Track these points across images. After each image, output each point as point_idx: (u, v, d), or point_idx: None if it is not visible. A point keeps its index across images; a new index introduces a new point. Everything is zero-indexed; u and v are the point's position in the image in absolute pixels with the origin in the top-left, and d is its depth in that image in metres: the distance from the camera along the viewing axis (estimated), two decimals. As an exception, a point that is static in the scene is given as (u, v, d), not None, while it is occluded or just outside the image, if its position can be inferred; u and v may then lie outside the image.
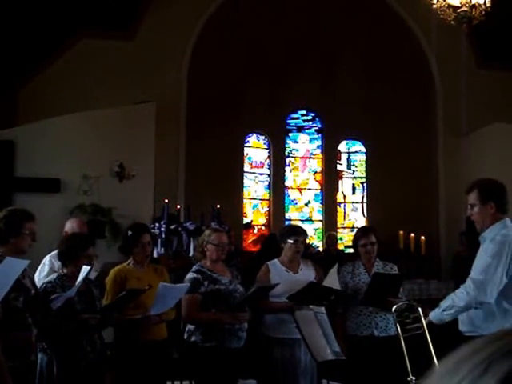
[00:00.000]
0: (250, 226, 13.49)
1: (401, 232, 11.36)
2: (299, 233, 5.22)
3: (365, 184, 14.22)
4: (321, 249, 12.52)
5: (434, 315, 3.74)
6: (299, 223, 12.41)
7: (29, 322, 3.73)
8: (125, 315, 4.55)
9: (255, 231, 13.66)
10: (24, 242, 3.75)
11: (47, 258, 5.18)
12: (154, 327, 4.67)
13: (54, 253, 4.82)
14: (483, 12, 7.98)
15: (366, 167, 14.21)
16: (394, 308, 3.50)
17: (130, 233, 4.84)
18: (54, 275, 4.40)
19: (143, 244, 4.78)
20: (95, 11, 10.99)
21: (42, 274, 4.99)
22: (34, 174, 9.29)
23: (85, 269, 4.12)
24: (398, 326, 3.42)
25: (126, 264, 4.84)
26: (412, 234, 11.28)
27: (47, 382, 4.11)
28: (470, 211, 3.77)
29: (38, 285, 4.21)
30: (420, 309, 3.74)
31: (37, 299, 3.88)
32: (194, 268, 4.87)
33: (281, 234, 5.39)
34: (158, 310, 4.59)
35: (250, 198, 13.80)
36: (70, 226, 5.56)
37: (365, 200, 14.17)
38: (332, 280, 5.01)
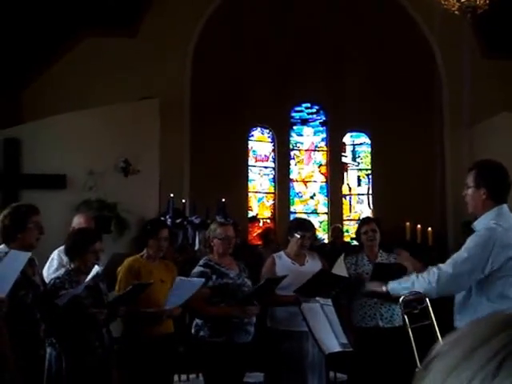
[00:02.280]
0: (255, 219, 13.51)
1: (407, 223, 11.34)
2: (307, 228, 5.22)
3: (370, 176, 14.20)
4: (326, 241, 12.53)
5: (393, 288, 3.63)
6: (304, 216, 12.42)
7: (37, 318, 3.75)
8: (137, 309, 4.57)
9: (260, 224, 13.67)
10: (31, 235, 3.76)
11: (55, 252, 5.20)
12: (163, 321, 4.69)
13: (62, 247, 4.84)
14: (487, 1, 7.94)
15: (371, 159, 14.19)
16: (401, 299, 3.49)
17: (148, 227, 4.86)
18: (62, 270, 4.42)
19: (160, 238, 4.80)
20: (98, 9, 10.99)
21: (52, 269, 5.02)
22: (39, 170, 9.33)
23: (95, 269, 4.13)
24: (405, 316, 3.40)
25: (139, 256, 4.86)
26: (418, 226, 11.26)
27: (56, 377, 4.13)
28: (464, 191, 3.59)
29: (47, 280, 4.23)
30: (428, 300, 3.71)
31: (45, 295, 3.90)
32: (202, 262, 4.88)
33: (289, 227, 5.40)
34: (172, 303, 4.61)
35: (255, 192, 13.81)
36: (77, 221, 5.58)
37: (370, 192, 14.16)
38: (340, 269, 5.01)
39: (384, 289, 3.66)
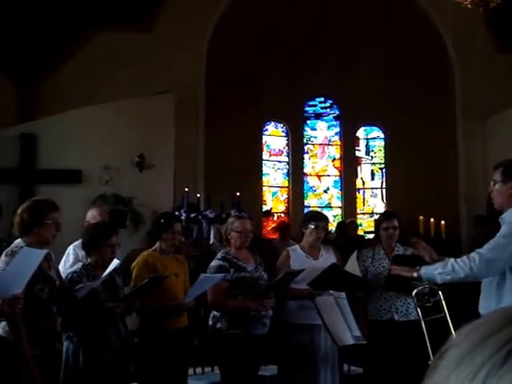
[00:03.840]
0: (269, 213, 13.54)
1: (421, 217, 11.31)
2: (320, 219, 5.23)
3: (384, 170, 14.19)
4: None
5: (427, 272, 3.72)
6: (318, 210, 12.43)
7: (53, 312, 3.79)
8: (153, 303, 4.61)
9: (275, 218, 13.70)
10: (48, 232, 3.78)
11: (71, 247, 5.23)
12: (179, 314, 4.74)
13: (78, 242, 4.88)
14: (500, -5, 7.89)
15: (385, 153, 14.17)
16: (414, 292, 3.51)
17: (162, 220, 4.90)
18: (79, 264, 4.45)
19: (174, 232, 4.83)
20: (113, 5, 11.04)
21: (68, 264, 5.04)
22: (55, 165, 9.39)
23: (114, 262, 4.16)
24: (418, 309, 3.42)
25: (152, 250, 4.90)
26: (432, 219, 11.23)
27: (73, 370, 4.17)
28: (491, 187, 3.78)
29: (64, 274, 4.27)
30: (440, 293, 3.75)
31: (62, 289, 3.93)
32: (220, 255, 4.92)
33: (302, 219, 5.40)
34: (191, 296, 4.67)
35: (269, 186, 13.84)
36: (91, 214, 5.60)
37: (384, 186, 14.14)
38: (352, 267, 5.02)
39: (415, 274, 3.75)
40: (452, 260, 3.69)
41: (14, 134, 9.50)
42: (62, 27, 10.78)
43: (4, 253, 3.70)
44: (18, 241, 3.78)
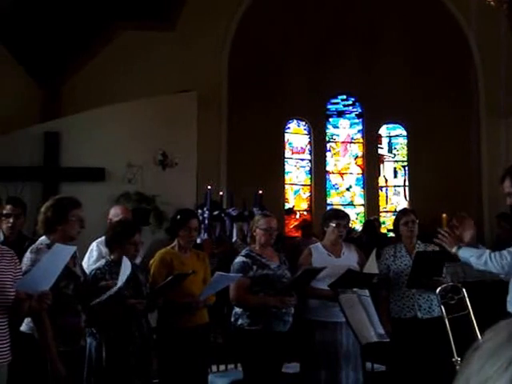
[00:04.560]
0: (291, 211, 13.53)
1: (444, 215, 11.22)
2: (341, 217, 5.22)
3: (406, 167, 14.11)
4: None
5: (464, 255, 3.82)
6: (341, 208, 12.39)
7: (78, 309, 3.82)
8: (172, 300, 4.62)
9: (297, 216, 13.69)
10: (72, 228, 3.81)
11: (94, 244, 5.27)
12: (197, 312, 4.74)
13: (101, 239, 4.92)
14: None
15: (408, 151, 14.09)
16: (438, 290, 3.49)
17: (178, 217, 4.92)
18: (103, 261, 4.49)
19: (190, 229, 4.84)
20: (136, 3, 11.11)
21: (91, 260, 5.09)
22: (79, 163, 9.48)
23: (125, 265, 4.16)
24: (442, 307, 3.41)
25: (170, 248, 4.91)
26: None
27: (96, 366, 4.21)
28: (509, 200, 3.76)
29: (87, 271, 4.30)
30: (464, 290, 3.73)
31: (86, 286, 3.97)
32: (244, 252, 4.94)
33: (323, 218, 5.39)
34: (206, 294, 4.67)
35: (292, 184, 13.83)
36: (113, 212, 5.64)
37: (407, 183, 14.06)
38: (371, 265, 5.00)
39: (454, 250, 3.81)
40: (487, 253, 3.74)
41: (39, 133, 9.61)
42: (85, 26, 10.87)
43: (29, 250, 3.74)
44: (43, 238, 3.82)
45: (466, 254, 3.89)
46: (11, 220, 4.83)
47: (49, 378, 3.53)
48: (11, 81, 9.80)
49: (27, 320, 3.65)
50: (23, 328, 3.70)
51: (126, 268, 4.10)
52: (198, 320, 4.76)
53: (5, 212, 4.69)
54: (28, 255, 3.69)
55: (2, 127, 9.54)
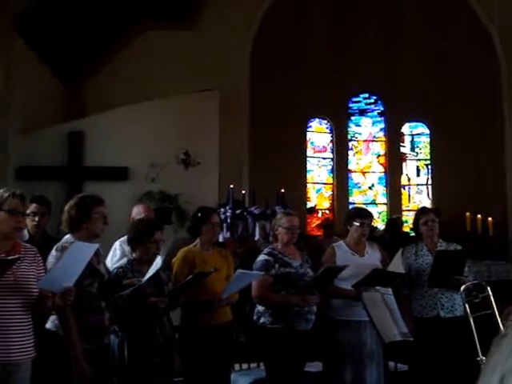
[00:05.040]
0: (313, 210, 13.51)
1: (467, 214, 11.14)
2: (365, 215, 5.20)
3: (429, 166, 14.01)
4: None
5: None
6: (363, 207, 12.34)
7: (102, 307, 3.86)
8: (193, 298, 4.64)
9: (319, 215, 13.66)
10: (96, 225, 3.85)
11: (117, 243, 5.30)
12: (220, 310, 4.75)
13: (124, 238, 4.94)
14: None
15: (430, 149, 13.99)
16: (462, 288, 3.46)
17: (199, 214, 4.94)
18: (125, 260, 4.53)
19: (212, 224, 4.87)
20: (158, 3, 11.16)
21: (115, 259, 5.12)
22: (102, 163, 9.56)
23: (157, 262, 4.19)
24: (466, 305, 3.38)
25: (193, 246, 4.93)
26: (479, 216, 11.05)
27: (118, 364, 4.24)
28: None
29: (110, 270, 4.34)
30: (489, 288, 3.69)
31: (110, 284, 4.00)
32: (266, 250, 4.95)
33: (346, 216, 5.37)
34: (229, 292, 4.68)
35: (314, 183, 13.80)
36: (136, 210, 5.68)
37: (429, 182, 13.96)
38: (397, 264, 4.97)
39: None
40: None
41: (63, 132, 9.71)
42: (108, 26, 10.95)
43: (54, 248, 3.78)
44: (68, 236, 3.87)
45: None
46: (36, 218, 4.88)
47: (73, 376, 3.56)
48: (36, 80, 9.90)
49: (52, 318, 3.69)
50: (48, 325, 3.74)
51: (156, 267, 4.13)
52: (221, 318, 4.76)
53: (30, 211, 4.74)
54: (53, 253, 3.74)
55: (27, 127, 9.64)
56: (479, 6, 12.45)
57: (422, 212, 5.43)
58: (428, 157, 14.07)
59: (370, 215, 5.29)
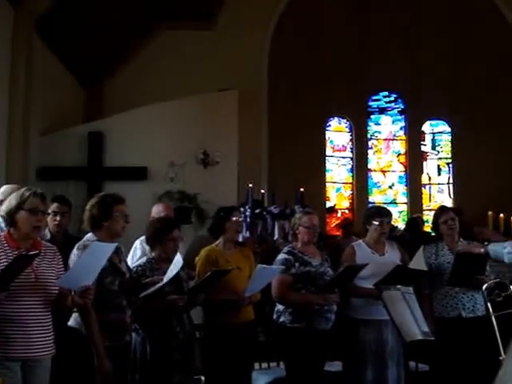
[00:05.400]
0: (333, 209, 13.46)
1: (489, 213, 11.03)
2: (384, 214, 5.16)
3: (451, 165, 13.90)
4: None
5: (495, 249, 3.67)
6: (382, 205, 12.28)
7: (124, 304, 3.88)
8: (215, 297, 4.65)
9: (339, 215, 13.61)
10: (117, 224, 3.87)
11: (137, 242, 5.33)
12: (243, 309, 4.75)
13: (144, 237, 4.97)
14: None
15: (452, 147, 13.89)
16: (484, 286, 3.42)
17: (222, 213, 4.94)
18: (144, 259, 4.55)
19: (235, 221, 4.88)
20: (176, 3, 11.20)
21: (135, 258, 5.15)
22: (122, 163, 9.62)
23: (178, 261, 4.20)
24: (489, 304, 3.34)
25: (215, 245, 4.94)
26: (501, 215, 10.92)
27: (140, 362, 4.26)
28: None
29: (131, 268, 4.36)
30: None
31: (131, 282, 4.03)
32: (286, 249, 4.94)
33: (365, 215, 5.32)
34: (252, 290, 4.67)
35: (333, 182, 13.76)
36: (156, 210, 5.71)
37: (451, 181, 13.85)
38: (418, 262, 4.93)
39: (482, 250, 3.70)
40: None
41: (83, 133, 9.78)
42: (127, 26, 11.00)
43: (76, 246, 3.81)
44: (89, 235, 3.90)
45: (497, 247, 3.75)
46: (58, 218, 4.91)
47: (95, 373, 3.59)
48: (55, 81, 9.98)
49: (75, 315, 3.72)
50: (71, 323, 3.77)
51: (176, 265, 4.14)
52: (243, 317, 4.77)
53: (51, 210, 4.78)
54: (75, 252, 3.77)
55: (47, 127, 9.72)
56: (503, 4, 12.34)
57: (441, 211, 5.38)
58: (449, 155, 13.96)
59: (389, 213, 5.25)
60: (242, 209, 8.91)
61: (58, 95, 10.04)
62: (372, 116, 14.07)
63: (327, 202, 13.54)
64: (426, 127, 14.09)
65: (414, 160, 13.93)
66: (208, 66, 11.36)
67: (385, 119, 14.12)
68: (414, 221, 10.79)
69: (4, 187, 4.89)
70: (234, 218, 4.88)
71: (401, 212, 13.85)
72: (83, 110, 11.45)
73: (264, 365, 5.71)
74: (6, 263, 3.17)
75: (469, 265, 4.87)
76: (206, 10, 11.72)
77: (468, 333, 4.86)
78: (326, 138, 13.74)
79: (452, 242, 5.19)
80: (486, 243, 3.65)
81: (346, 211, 13.77)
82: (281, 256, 4.89)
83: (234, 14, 11.72)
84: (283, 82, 12.29)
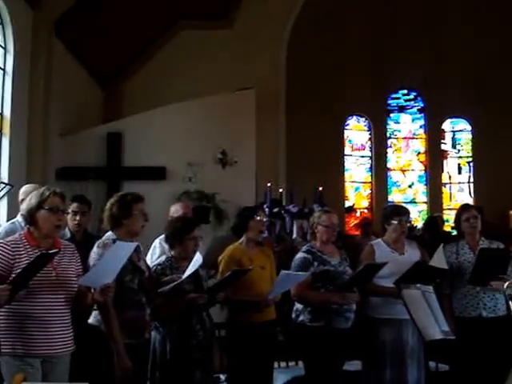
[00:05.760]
0: (351, 209, 13.41)
1: (511, 212, 10.94)
2: (402, 212, 5.13)
3: (471, 163, 13.78)
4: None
5: None
6: (398, 204, 12.20)
7: (143, 302, 3.90)
8: (239, 296, 4.66)
9: (357, 214, 13.56)
10: (136, 222, 3.90)
11: (157, 241, 5.37)
12: (266, 308, 4.77)
13: (163, 236, 4.99)
14: None
15: (472, 146, 13.77)
16: (506, 285, 3.38)
17: (246, 213, 4.97)
18: (163, 257, 4.57)
19: (259, 220, 4.90)
20: (193, 3, 11.23)
21: (154, 257, 5.18)
22: (140, 163, 9.67)
23: (197, 259, 4.22)
24: (510, 303, 3.30)
25: (238, 244, 4.96)
26: (523, 214, 10.84)
27: (160, 359, 4.28)
28: None
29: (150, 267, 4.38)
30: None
31: (150, 280, 4.06)
32: (305, 248, 4.93)
33: (384, 215, 5.29)
34: (275, 293, 4.71)
35: (352, 181, 13.71)
36: (174, 209, 5.74)
37: (471, 180, 13.73)
38: (439, 260, 4.88)
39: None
40: None
41: (102, 133, 9.84)
42: (145, 27, 11.05)
43: (96, 245, 3.85)
44: (109, 233, 3.93)
45: None
46: (77, 217, 4.95)
47: (115, 370, 3.61)
48: (74, 82, 10.06)
49: (95, 313, 3.76)
50: (91, 320, 3.81)
51: (195, 263, 4.16)
52: (266, 316, 4.79)
53: (71, 210, 4.83)
54: (95, 250, 3.81)
55: (66, 128, 9.80)
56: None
57: (463, 209, 5.32)
58: (470, 154, 13.85)
59: (407, 212, 5.22)
60: (260, 208, 8.91)
61: (76, 96, 10.12)
62: (391, 114, 14.00)
63: (346, 202, 13.49)
64: (446, 125, 13.99)
65: (434, 159, 13.84)
66: (226, 65, 11.38)
67: (404, 117, 14.04)
68: (434, 220, 10.70)
69: (25, 187, 4.95)
70: (258, 218, 4.90)
71: (420, 211, 13.77)
72: (102, 110, 11.53)
73: (282, 364, 5.71)
74: (26, 261, 3.20)
75: (491, 262, 4.81)
76: (223, 9, 11.74)
77: (489, 333, 4.82)
78: (345, 136, 13.69)
79: (473, 240, 5.14)
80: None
81: (365, 211, 13.71)
82: (299, 255, 4.88)
83: (251, 13, 11.73)
84: (301, 81, 12.27)
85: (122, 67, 11.60)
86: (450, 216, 13.36)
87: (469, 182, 13.84)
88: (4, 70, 8.38)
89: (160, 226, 5.16)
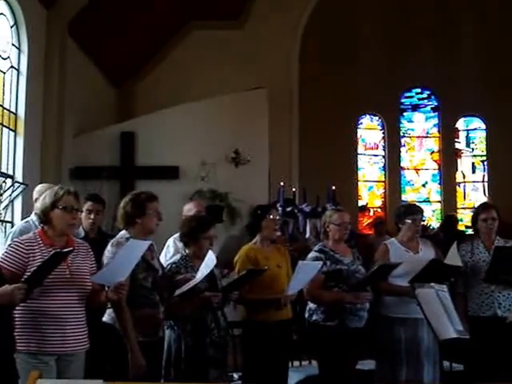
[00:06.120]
0: (365, 208, 13.38)
1: (525, 211, 10.84)
2: (416, 211, 5.12)
3: (485, 162, 13.70)
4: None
5: None
6: (412, 202, 12.15)
7: (156, 300, 3.92)
8: (259, 295, 4.66)
9: (371, 214, 13.52)
10: (150, 221, 3.92)
11: (171, 240, 5.38)
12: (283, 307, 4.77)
13: (177, 235, 5.00)
14: None
15: (487, 144, 13.69)
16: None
17: (259, 211, 4.95)
18: (178, 256, 4.58)
19: (273, 218, 4.90)
20: (205, 3, 11.25)
21: (168, 256, 5.20)
22: (153, 162, 9.70)
23: (211, 259, 4.22)
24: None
25: (253, 243, 4.96)
26: (538, 213, 10.72)
27: (175, 358, 4.29)
28: None
29: (165, 265, 4.40)
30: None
31: (164, 279, 4.07)
32: (317, 247, 4.93)
33: (397, 214, 5.27)
34: (294, 288, 4.67)
35: (365, 180, 13.67)
36: (187, 207, 5.77)
37: (486, 179, 13.65)
38: (453, 258, 4.86)
39: None
40: None
41: (115, 133, 9.88)
42: (157, 27, 11.09)
43: (110, 243, 3.88)
44: (123, 232, 3.95)
45: None
46: (92, 216, 4.99)
47: (129, 368, 3.63)
48: (88, 82, 10.10)
49: (109, 311, 3.78)
50: (105, 318, 3.83)
51: (209, 262, 4.16)
52: (282, 315, 4.79)
53: (85, 208, 4.86)
54: (109, 248, 3.83)
55: (79, 128, 9.84)
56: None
57: (483, 208, 5.28)
58: (484, 153, 13.77)
59: (420, 210, 5.20)
60: (273, 207, 8.90)
61: (90, 96, 10.17)
62: (405, 113, 13.95)
63: (359, 201, 13.46)
64: (460, 124, 13.91)
65: (448, 158, 13.77)
66: (238, 65, 11.40)
67: (418, 116, 13.98)
68: (450, 219, 10.64)
69: (39, 186, 4.99)
70: (272, 216, 4.89)
71: (434, 211, 13.71)
72: (115, 110, 11.58)
73: (296, 363, 5.71)
74: (40, 260, 3.22)
75: (507, 260, 4.78)
76: (235, 9, 11.75)
77: (504, 332, 4.78)
78: (358, 135, 13.66)
79: (488, 239, 5.10)
80: None
81: (379, 210, 13.67)
82: (312, 254, 4.88)
83: (263, 13, 11.74)
84: (314, 80, 12.25)
85: (135, 67, 11.65)
86: (463, 215, 13.32)
87: (483, 181, 13.76)
88: (18, 70, 8.43)
89: (173, 225, 5.17)
